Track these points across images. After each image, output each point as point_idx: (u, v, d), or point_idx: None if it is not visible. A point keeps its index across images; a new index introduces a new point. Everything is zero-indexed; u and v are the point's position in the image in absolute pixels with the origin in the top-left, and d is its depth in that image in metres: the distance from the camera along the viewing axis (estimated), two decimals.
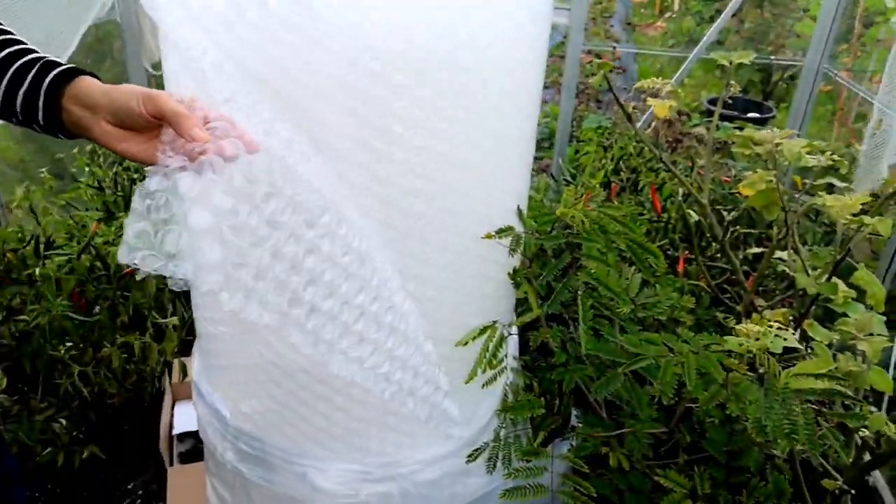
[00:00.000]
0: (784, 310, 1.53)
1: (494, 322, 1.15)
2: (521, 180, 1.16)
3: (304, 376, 1.07)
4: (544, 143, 3.29)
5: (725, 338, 0.97)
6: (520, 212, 1.12)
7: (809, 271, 1.41)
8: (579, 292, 1.08)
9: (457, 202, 1.02)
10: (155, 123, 0.76)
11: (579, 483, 1.14)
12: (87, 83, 0.79)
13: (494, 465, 1.18)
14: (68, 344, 1.42)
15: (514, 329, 1.40)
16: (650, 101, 1.36)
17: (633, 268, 1.28)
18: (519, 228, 1.11)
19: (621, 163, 1.96)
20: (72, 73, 0.80)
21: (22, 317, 1.35)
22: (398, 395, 1.06)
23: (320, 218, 0.91)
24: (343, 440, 1.14)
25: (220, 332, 1.12)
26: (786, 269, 1.50)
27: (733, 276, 1.68)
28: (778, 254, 1.56)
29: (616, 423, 1.29)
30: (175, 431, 1.70)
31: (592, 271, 1.08)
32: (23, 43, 0.84)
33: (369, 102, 0.88)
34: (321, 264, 0.89)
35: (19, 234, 1.47)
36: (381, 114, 0.89)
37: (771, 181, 1.31)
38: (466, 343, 1.12)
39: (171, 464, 1.67)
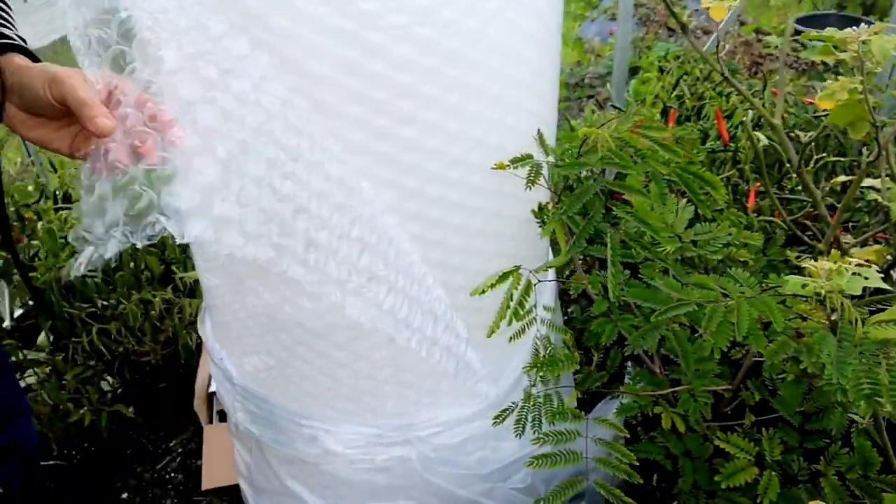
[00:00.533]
0: (878, 247, 1.30)
1: (518, 267, 1.01)
2: (541, 103, 0.99)
3: (300, 330, 0.97)
4: (608, 77, 3.04)
5: (786, 278, 0.79)
6: (540, 137, 0.96)
7: None
8: (608, 229, 0.91)
9: (462, 130, 0.87)
10: (62, 111, 0.66)
11: (616, 449, 0.99)
12: (6, 61, 0.70)
13: (524, 429, 1.05)
14: (87, 303, 1.39)
15: (550, 275, 1.25)
16: (705, 2, 1.15)
17: (686, 201, 1.10)
18: (539, 157, 0.95)
19: (684, 88, 1.73)
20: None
21: (34, 274, 1.32)
22: (423, 344, 0.94)
23: (304, 153, 0.78)
24: (352, 400, 1.03)
25: (213, 285, 1.03)
26: (878, 198, 1.27)
27: (815, 211, 1.45)
28: (869, 181, 1.32)
29: (672, 379, 1.13)
30: (212, 389, 1.66)
31: (626, 205, 0.91)
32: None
33: (361, 16, 0.74)
34: (303, 192, 0.76)
35: (29, 187, 1.43)
36: (373, 27, 0.75)
37: (855, 89, 1.08)
38: (484, 291, 0.98)
39: (210, 422, 1.63)
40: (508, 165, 0.93)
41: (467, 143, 0.88)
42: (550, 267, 1.04)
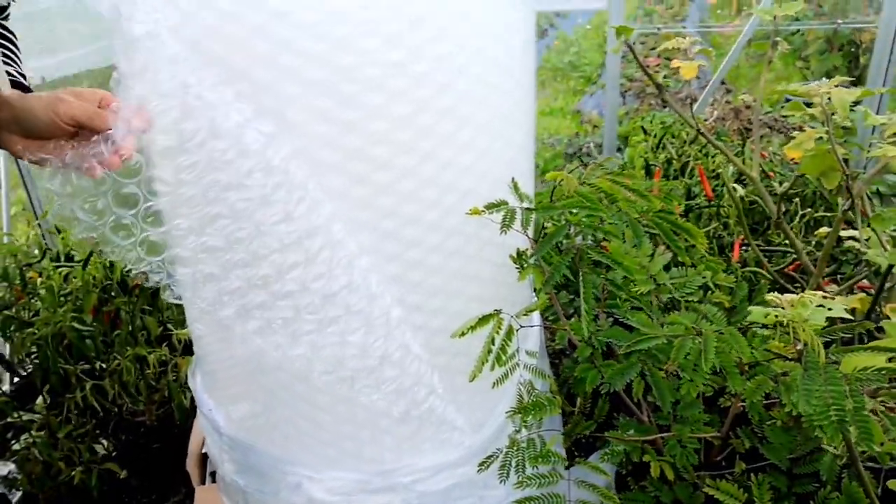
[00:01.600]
0: (862, 295, 1.32)
1: (498, 311, 1.03)
2: (515, 151, 1.04)
3: (283, 374, 0.98)
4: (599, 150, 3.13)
5: (750, 308, 0.80)
6: (514, 183, 1.00)
7: (886, 244, 1.21)
8: (581, 271, 0.94)
9: (435, 174, 0.92)
10: (68, 130, 0.77)
11: (602, 493, 0.98)
12: (13, 97, 0.80)
13: (508, 474, 1.04)
14: (83, 361, 1.41)
15: (535, 320, 1.26)
16: (675, 62, 1.21)
17: (665, 247, 1.13)
18: (514, 203, 0.99)
19: (671, 150, 1.79)
20: None
21: (30, 329, 1.35)
22: (385, 397, 0.95)
23: (272, 194, 0.82)
24: (334, 445, 1.04)
25: (201, 334, 1.06)
26: (856, 246, 1.29)
27: (797, 261, 1.47)
28: (853, 232, 1.35)
29: (660, 426, 1.13)
30: (205, 450, 1.65)
31: (597, 247, 0.94)
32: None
33: (338, 70, 0.80)
34: (261, 238, 0.80)
35: (35, 251, 1.49)
36: (348, 79, 0.81)
37: (821, 139, 1.13)
38: (463, 334, 1.00)
39: (203, 482, 1.62)
40: (483, 211, 0.97)
41: (441, 187, 0.92)
42: (530, 311, 1.07)
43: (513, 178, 1.01)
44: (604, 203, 0.99)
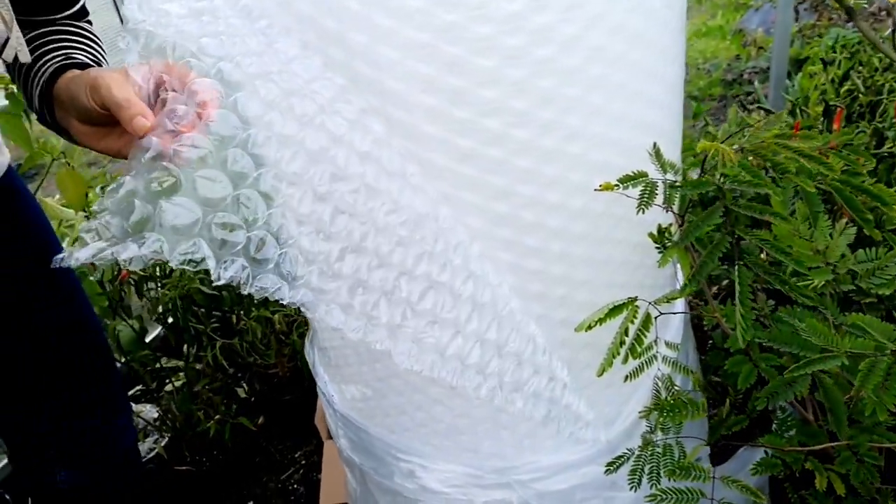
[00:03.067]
0: None
1: (633, 299, 0.89)
2: (658, 112, 0.87)
3: (394, 362, 0.91)
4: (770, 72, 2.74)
5: None
6: (657, 152, 0.83)
7: None
8: (737, 263, 0.77)
9: (558, 147, 0.78)
10: (109, 116, 0.63)
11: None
12: (68, 77, 0.68)
13: (639, 482, 0.92)
14: (212, 318, 1.44)
15: (678, 306, 1.10)
16: None
17: (847, 222, 0.92)
18: (656, 174, 0.83)
19: (857, 81, 1.48)
20: (65, 67, 0.70)
21: (163, 290, 1.39)
22: (499, 391, 0.85)
23: (369, 180, 0.73)
24: (449, 437, 0.96)
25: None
26: None
27: None
28: None
29: (830, 431, 0.95)
30: None
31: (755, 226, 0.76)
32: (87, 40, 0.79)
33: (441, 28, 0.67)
34: (357, 226, 0.71)
35: None
36: (454, 39, 0.68)
37: None
38: (591, 327, 0.87)
39: (330, 438, 1.64)
40: (616, 185, 0.82)
41: (566, 161, 0.78)
42: (672, 298, 0.91)
43: (654, 144, 0.84)
44: (772, 175, 0.80)
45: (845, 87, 1.58)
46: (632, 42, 0.76)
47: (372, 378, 0.97)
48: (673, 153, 0.91)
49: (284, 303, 0.72)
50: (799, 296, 0.79)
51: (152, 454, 1.53)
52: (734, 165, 0.75)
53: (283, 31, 0.71)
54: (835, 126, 1.35)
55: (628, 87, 0.79)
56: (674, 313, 1.00)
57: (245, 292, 0.63)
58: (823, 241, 0.85)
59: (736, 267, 0.76)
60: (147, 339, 1.62)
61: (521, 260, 0.82)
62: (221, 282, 0.62)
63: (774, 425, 1.06)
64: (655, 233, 0.92)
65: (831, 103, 1.33)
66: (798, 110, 1.57)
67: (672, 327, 1.06)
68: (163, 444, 1.55)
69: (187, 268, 0.67)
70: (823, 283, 0.82)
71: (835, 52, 1.57)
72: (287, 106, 0.66)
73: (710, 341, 1.57)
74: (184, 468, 1.53)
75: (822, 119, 1.43)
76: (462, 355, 0.82)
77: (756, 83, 2.70)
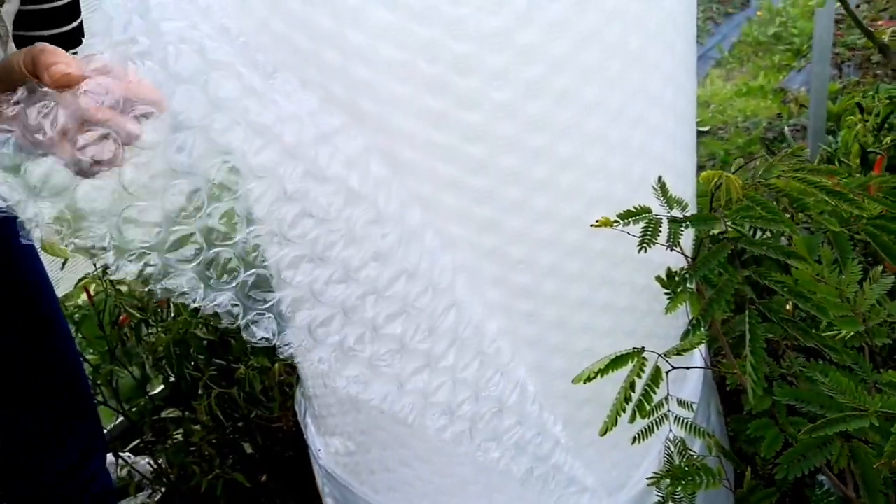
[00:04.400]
0: None
1: (640, 349, 0.80)
2: (671, 144, 0.80)
3: (378, 413, 0.84)
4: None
5: None
6: (662, 186, 0.76)
7: None
8: (748, 312, 0.68)
9: (550, 177, 0.71)
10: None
11: None
12: None
13: None
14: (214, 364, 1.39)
15: (695, 360, 1.00)
16: None
17: (883, 270, 0.83)
18: (660, 210, 0.75)
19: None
20: None
21: (158, 334, 1.35)
22: (469, 437, 0.76)
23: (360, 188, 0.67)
24: (437, 500, 0.87)
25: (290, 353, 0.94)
26: None
27: None
28: None
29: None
30: None
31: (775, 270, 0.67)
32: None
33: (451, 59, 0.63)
34: (317, 227, 0.65)
35: None
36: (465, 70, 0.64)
37: None
38: (589, 379, 0.78)
39: None
40: (616, 221, 0.74)
41: (558, 192, 0.72)
42: (683, 350, 0.82)
43: (659, 178, 0.77)
44: (789, 210, 0.72)
45: (888, 139, 1.48)
46: (631, 63, 0.71)
47: (355, 430, 0.90)
48: (683, 189, 0.84)
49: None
50: (824, 347, 0.69)
51: None
52: (740, 197, 0.67)
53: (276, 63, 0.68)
54: (874, 173, 1.26)
55: (628, 112, 0.72)
56: (688, 368, 0.91)
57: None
58: (852, 289, 0.75)
59: (747, 312, 0.67)
60: (156, 389, 1.58)
61: (511, 300, 0.75)
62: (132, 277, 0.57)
63: (811, 501, 0.93)
64: (664, 276, 0.84)
65: (870, 150, 1.24)
66: (836, 161, 1.48)
67: (688, 384, 0.96)
68: (156, 498, 1.48)
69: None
70: (853, 335, 0.72)
71: (874, 99, 1.48)
72: (269, 97, 0.61)
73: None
74: None
75: (860, 169, 1.34)
76: (427, 391, 0.73)
77: (789, 136, 2.61)
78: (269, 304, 0.66)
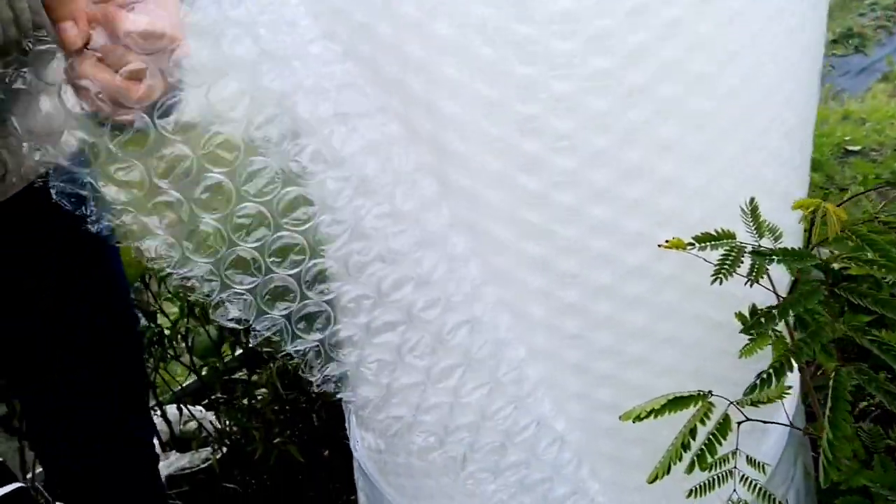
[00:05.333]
0: None
1: (705, 393, 0.69)
2: (773, 162, 0.68)
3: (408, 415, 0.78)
4: None
5: None
6: (753, 209, 0.64)
7: None
8: (839, 359, 0.55)
9: (621, 188, 0.62)
10: None
11: None
12: None
13: None
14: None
15: (779, 416, 0.86)
16: None
17: None
18: (747, 236, 0.64)
19: None
20: None
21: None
22: (503, 489, 0.69)
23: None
24: None
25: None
26: None
27: None
28: None
29: None
30: None
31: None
32: None
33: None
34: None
35: None
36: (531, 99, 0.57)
37: None
38: (641, 417, 0.68)
39: None
40: (690, 244, 0.64)
41: (624, 203, 0.62)
42: (757, 402, 0.70)
43: (751, 200, 0.65)
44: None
45: None
46: (748, 76, 0.60)
47: (384, 429, 0.85)
48: (784, 218, 0.71)
49: None
50: None
51: (206, 465, 1.50)
52: (848, 234, 0.55)
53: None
54: None
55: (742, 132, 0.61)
56: (765, 422, 0.78)
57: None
58: None
59: (833, 374, 0.55)
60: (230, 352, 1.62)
61: (556, 318, 0.67)
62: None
63: None
64: (747, 313, 0.72)
65: None
66: None
67: (768, 440, 0.83)
68: (217, 456, 1.51)
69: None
70: None
71: None
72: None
73: None
74: (230, 486, 1.47)
75: None
76: (421, 407, 0.67)
77: None
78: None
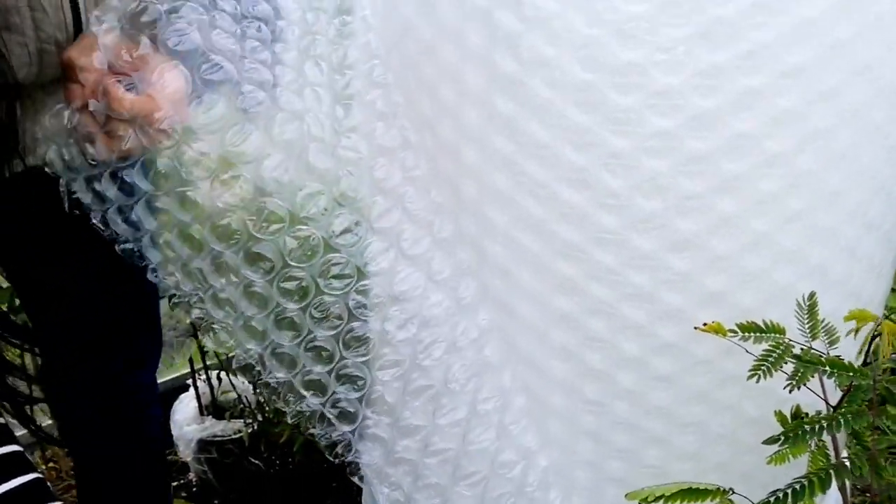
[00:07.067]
0: None
1: (725, 489, 0.64)
2: (849, 257, 0.62)
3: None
4: None
5: None
6: (811, 305, 0.58)
7: None
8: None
9: (663, 255, 0.58)
10: None
11: None
12: None
13: None
14: None
15: None
16: None
17: None
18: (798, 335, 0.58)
19: None
20: None
21: None
22: None
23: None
24: None
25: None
26: None
27: None
28: None
29: None
30: None
31: None
32: None
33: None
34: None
35: None
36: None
37: None
38: (647, 500, 0.64)
39: None
40: (733, 332, 0.59)
41: (667, 274, 0.58)
42: None
43: (811, 295, 0.59)
44: None
45: None
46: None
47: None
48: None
49: None
50: None
51: (237, 436, 1.52)
52: None
53: None
54: None
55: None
56: None
57: None
58: None
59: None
60: None
61: (578, 380, 0.63)
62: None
63: None
64: (788, 413, 0.66)
65: None
66: None
67: None
68: (248, 431, 1.53)
69: None
70: None
71: None
72: None
73: None
74: (255, 463, 1.50)
75: None
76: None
77: None
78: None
